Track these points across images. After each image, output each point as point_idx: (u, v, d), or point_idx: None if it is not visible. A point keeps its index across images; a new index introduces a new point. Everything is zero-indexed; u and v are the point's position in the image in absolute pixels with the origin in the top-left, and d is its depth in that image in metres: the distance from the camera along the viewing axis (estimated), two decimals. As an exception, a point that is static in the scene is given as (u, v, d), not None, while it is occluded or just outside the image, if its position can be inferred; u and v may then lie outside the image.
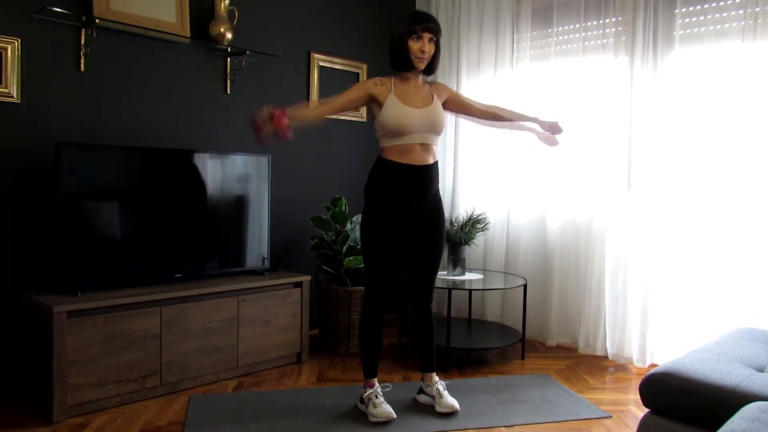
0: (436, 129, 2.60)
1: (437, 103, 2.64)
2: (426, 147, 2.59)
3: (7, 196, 2.79)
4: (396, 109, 2.53)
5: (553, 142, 2.79)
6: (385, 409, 2.63)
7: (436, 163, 2.65)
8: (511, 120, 2.81)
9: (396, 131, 2.54)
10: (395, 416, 2.62)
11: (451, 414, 2.69)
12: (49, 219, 2.88)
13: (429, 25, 2.53)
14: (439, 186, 2.74)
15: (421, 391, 2.85)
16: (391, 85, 2.59)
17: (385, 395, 2.73)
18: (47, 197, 2.87)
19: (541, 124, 2.80)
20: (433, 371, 2.83)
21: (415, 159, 2.57)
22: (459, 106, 2.78)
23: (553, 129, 2.77)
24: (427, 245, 2.71)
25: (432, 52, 2.57)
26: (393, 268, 2.68)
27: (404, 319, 3.95)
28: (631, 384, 3.18)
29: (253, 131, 2.41)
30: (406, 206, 2.61)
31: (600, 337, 3.64)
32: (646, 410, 2.00)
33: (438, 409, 2.72)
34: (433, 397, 2.77)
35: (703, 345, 2.15)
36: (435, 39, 2.56)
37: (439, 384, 2.79)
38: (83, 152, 2.78)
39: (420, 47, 2.52)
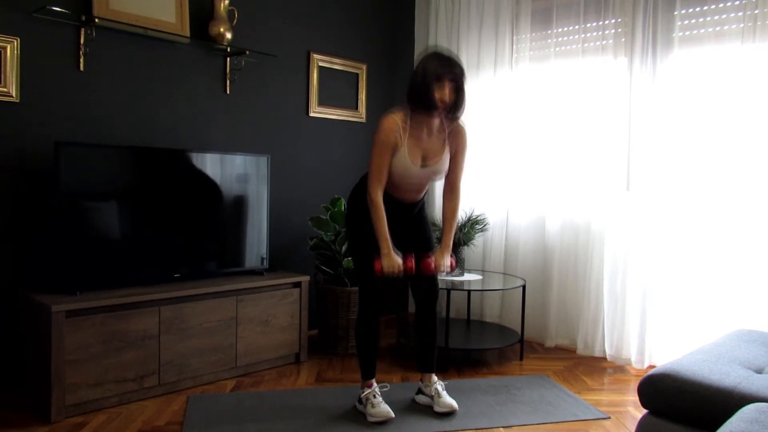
0: (435, 178, 2.69)
1: (446, 156, 2.63)
2: (420, 188, 2.69)
3: (6, 195, 2.79)
4: (400, 164, 2.55)
5: (427, 267, 2.63)
6: (383, 408, 2.63)
7: (424, 194, 2.76)
8: (445, 226, 2.73)
9: (396, 178, 2.59)
10: (393, 416, 2.62)
11: (449, 414, 2.69)
12: (48, 218, 2.87)
13: (453, 70, 2.46)
14: (437, 185, 2.76)
15: (419, 391, 2.85)
16: (405, 131, 2.54)
17: (384, 395, 2.73)
18: (46, 196, 2.87)
19: (442, 252, 2.69)
20: (432, 372, 2.83)
21: (406, 197, 2.67)
22: (451, 163, 2.70)
23: (438, 262, 2.65)
24: (418, 248, 2.74)
25: (453, 99, 2.50)
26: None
27: (403, 319, 3.95)
28: (629, 385, 3.18)
29: (375, 270, 2.55)
30: (389, 220, 2.60)
31: (598, 339, 3.64)
32: (645, 411, 2.00)
33: (436, 408, 2.72)
34: (431, 397, 2.77)
35: (702, 346, 2.15)
36: (458, 85, 2.49)
37: (437, 384, 2.79)
38: (82, 152, 2.77)
39: (441, 97, 2.47)
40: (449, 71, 2.46)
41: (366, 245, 2.61)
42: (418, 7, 4.55)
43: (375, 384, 2.73)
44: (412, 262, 2.58)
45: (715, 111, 3.21)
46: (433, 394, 2.76)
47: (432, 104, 2.48)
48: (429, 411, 2.74)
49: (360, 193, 2.66)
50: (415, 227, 2.78)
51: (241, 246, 3.37)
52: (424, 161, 2.59)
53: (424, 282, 2.77)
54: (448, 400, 2.72)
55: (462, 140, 2.68)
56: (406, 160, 2.55)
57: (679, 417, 1.87)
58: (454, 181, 2.73)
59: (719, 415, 1.72)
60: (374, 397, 2.67)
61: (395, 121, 2.54)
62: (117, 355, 2.70)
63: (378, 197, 2.55)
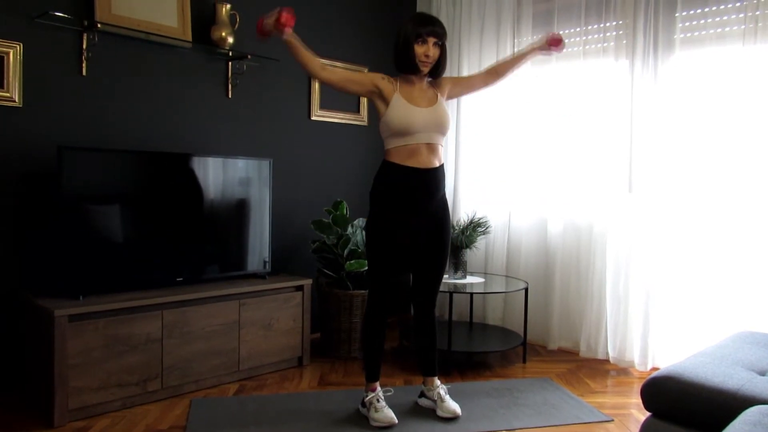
0: (441, 128, 2.59)
1: (442, 103, 2.63)
2: (432, 148, 2.57)
3: (10, 199, 2.80)
4: (401, 108, 2.53)
5: (558, 49, 2.79)
6: (387, 413, 2.62)
7: (442, 166, 2.64)
8: (512, 63, 2.83)
9: (402, 131, 2.52)
10: (396, 421, 2.61)
11: (452, 419, 2.68)
12: (51, 222, 2.88)
13: (434, 29, 2.53)
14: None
15: (422, 394, 2.84)
16: (396, 84, 2.60)
17: (387, 399, 2.73)
18: (49, 201, 2.88)
19: (540, 45, 2.81)
20: (435, 375, 2.82)
21: (421, 162, 2.55)
22: (462, 86, 2.80)
23: (552, 42, 2.78)
24: (432, 249, 2.69)
25: (436, 56, 2.57)
26: (397, 271, 2.67)
27: (405, 322, 3.95)
28: (632, 387, 3.17)
29: (257, 28, 2.46)
30: (412, 210, 2.59)
31: (601, 341, 3.64)
32: (648, 414, 2.00)
33: (439, 413, 2.71)
34: (434, 401, 2.76)
35: (705, 349, 2.15)
36: (440, 43, 2.56)
37: (440, 388, 2.78)
38: (85, 156, 2.78)
39: (424, 51, 2.52)
40: (430, 29, 2.52)
41: (380, 244, 2.60)
42: (419, 10, 4.55)
43: (379, 388, 2.72)
44: (285, 15, 2.36)
45: (717, 112, 3.21)
46: (436, 398, 2.75)
47: (414, 64, 2.54)
48: (432, 415, 2.73)
49: (376, 189, 2.62)
50: (436, 218, 2.66)
51: (243, 249, 3.38)
52: (427, 106, 2.59)
53: (424, 284, 2.75)
54: (452, 406, 2.71)
55: (445, 79, 2.73)
56: (404, 103, 2.53)
57: (683, 419, 1.87)
58: (480, 77, 2.83)
59: (722, 418, 1.72)
60: (378, 401, 2.66)
61: (383, 74, 2.63)
62: (120, 359, 2.70)
63: (319, 63, 2.60)
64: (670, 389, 1.88)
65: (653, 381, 1.93)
